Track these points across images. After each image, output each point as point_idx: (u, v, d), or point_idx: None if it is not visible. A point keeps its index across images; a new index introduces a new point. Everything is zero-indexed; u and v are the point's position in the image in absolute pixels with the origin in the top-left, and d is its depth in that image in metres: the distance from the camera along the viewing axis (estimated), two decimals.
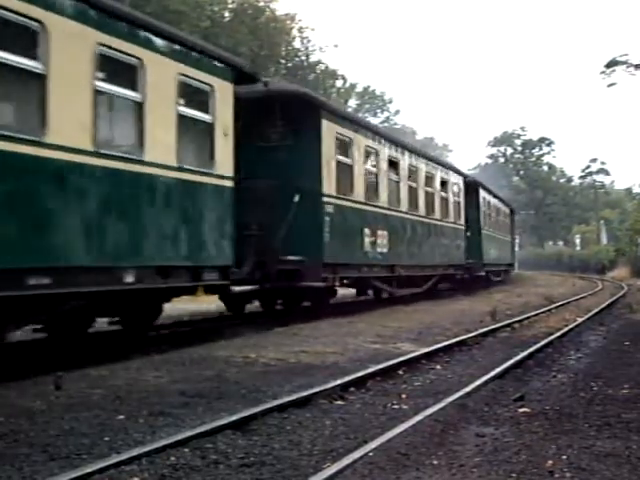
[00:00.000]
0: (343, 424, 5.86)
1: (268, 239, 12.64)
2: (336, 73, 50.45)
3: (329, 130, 14.38)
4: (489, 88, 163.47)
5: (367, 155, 16.64)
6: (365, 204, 16.16)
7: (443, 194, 22.91)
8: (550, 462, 4.74)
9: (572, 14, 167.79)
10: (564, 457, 4.87)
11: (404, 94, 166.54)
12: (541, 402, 6.71)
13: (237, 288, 11.22)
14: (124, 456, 4.66)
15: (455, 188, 24.40)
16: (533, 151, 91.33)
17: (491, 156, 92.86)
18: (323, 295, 15.27)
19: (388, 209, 17.64)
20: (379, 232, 16.74)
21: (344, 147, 15.29)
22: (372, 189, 16.89)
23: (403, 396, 7.04)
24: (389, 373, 8.20)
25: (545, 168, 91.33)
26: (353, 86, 66.88)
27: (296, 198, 13.28)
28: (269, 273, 12.67)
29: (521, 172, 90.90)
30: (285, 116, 13.66)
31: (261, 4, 40.18)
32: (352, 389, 7.24)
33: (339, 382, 7.23)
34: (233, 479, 4.47)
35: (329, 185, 14.23)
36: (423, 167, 20.87)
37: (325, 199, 14.01)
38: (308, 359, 9.12)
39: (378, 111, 77.44)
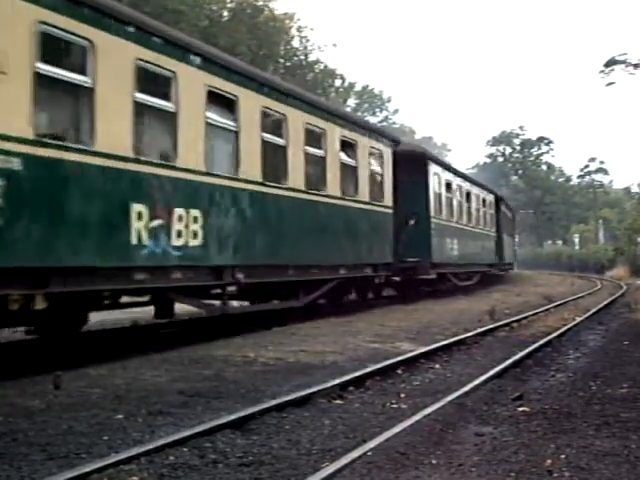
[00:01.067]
0: (342, 423, 5.86)
1: None
2: (335, 72, 50.44)
3: (12, 9, 7.65)
4: (488, 87, 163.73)
5: (141, 76, 9.51)
6: (137, 162, 9.31)
7: (346, 160, 15.50)
8: (549, 461, 4.75)
9: (571, 14, 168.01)
10: (563, 456, 4.87)
11: (403, 93, 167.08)
12: (540, 401, 6.71)
13: None
14: (123, 455, 4.67)
15: (375, 156, 17.29)
16: (532, 150, 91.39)
17: (490, 155, 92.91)
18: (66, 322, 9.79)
19: (206, 175, 10.69)
20: (180, 213, 9.98)
21: (68, 53, 8.70)
22: (159, 138, 10.33)
23: (402, 395, 7.04)
24: (388, 372, 8.20)
25: (544, 167, 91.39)
26: (352, 85, 66.89)
27: None
28: None
29: (520, 171, 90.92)
30: None
31: (260, 3, 40.15)
32: (351, 388, 7.24)
33: (338, 381, 7.23)
34: (232, 478, 4.47)
35: (10, 118, 7.50)
36: (299, 117, 13.58)
37: None
38: (307, 358, 9.11)
39: (377, 110, 77.57)
